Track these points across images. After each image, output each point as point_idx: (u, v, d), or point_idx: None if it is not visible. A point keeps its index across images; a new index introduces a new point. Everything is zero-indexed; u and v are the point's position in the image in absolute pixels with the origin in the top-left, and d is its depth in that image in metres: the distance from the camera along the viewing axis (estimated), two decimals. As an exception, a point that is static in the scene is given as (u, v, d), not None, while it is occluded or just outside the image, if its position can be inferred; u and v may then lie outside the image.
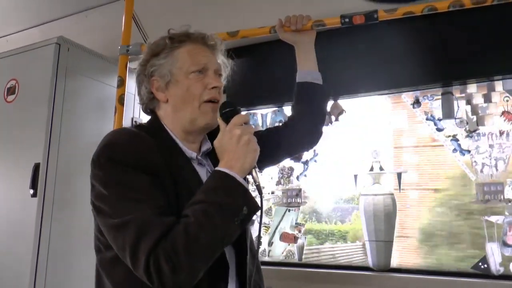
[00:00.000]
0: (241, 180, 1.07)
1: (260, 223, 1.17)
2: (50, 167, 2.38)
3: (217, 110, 1.23)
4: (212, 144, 1.28)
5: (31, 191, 2.35)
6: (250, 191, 1.10)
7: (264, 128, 2.88)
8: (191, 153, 1.26)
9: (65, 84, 2.51)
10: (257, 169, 1.15)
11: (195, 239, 0.98)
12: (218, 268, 1.07)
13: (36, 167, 2.35)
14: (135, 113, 3.01)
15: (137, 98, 3.10)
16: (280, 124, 2.73)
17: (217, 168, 1.10)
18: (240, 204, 1.04)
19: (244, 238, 1.22)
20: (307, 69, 1.63)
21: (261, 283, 1.32)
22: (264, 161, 1.31)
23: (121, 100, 2.14)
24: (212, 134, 1.29)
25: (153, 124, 1.28)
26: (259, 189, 1.14)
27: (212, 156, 1.29)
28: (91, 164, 1.15)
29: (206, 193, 1.06)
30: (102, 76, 2.75)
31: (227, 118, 1.16)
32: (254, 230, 1.77)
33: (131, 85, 2.98)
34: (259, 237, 1.20)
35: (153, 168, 1.09)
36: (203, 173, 1.26)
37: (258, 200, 1.10)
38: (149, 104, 1.31)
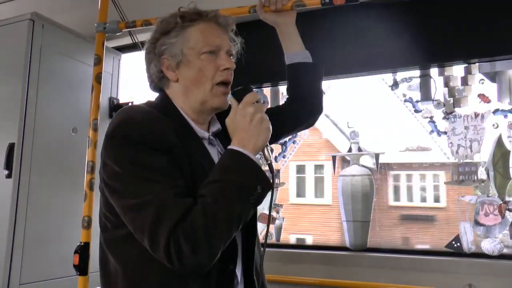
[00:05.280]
0: (254, 158, 1.08)
1: (271, 201, 1.17)
2: (25, 147, 2.33)
3: (229, 93, 1.23)
4: (221, 125, 1.28)
5: (6, 172, 2.29)
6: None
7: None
8: (203, 132, 1.25)
9: (39, 62, 2.44)
10: (269, 148, 1.15)
11: (213, 218, 0.99)
12: (227, 249, 1.07)
13: (11, 147, 2.30)
14: (113, 93, 2.96)
15: (114, 77, 3.09)
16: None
17: (230, 147, 1.10)
18: (254, 183, 1.05)
19: (252, 220, 1.22)
20: (294, 50, 1.62)
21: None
22: None
23: (98, 78, 2.11)
24: (220, 114, 1.29)
25: (164, 103, 1.25)
26: (271, 167, 1.15)
27: (221, 137, 1.29)
28: (105, 142, 1.11)
29: (221, 172, 1.06)
30: (79, 54, 2.69)
31: (238, 97, 1.15)
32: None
33: (108, 63, 2.95)
34: (269, 216, 1.21)
35: (170, 148, 1.08)
36: (214, 153, 1.25)
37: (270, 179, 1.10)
38: (158, 83, 1.28)
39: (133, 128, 1.08)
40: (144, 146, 1.05)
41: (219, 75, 1.23)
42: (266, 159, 1.15)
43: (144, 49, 1.30)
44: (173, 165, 1.07)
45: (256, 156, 1.11)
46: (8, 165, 2.29)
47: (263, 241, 1.24)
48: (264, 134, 1.11)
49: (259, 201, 1.07)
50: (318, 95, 1.63)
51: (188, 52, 1.22)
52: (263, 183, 1.06)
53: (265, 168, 1.14)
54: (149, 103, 1.26)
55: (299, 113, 1.60)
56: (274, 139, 1.59)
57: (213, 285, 1.11)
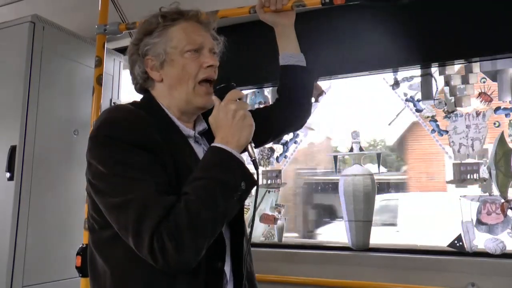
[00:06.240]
0: (237, 155, 1.08)
1: (256, 197, 1.18)
2: (27, 149, 2.33)
3: (212, 92, 1.23)
4: (207, 125, 1.28)
5: (8, 175, 2.30)
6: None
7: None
8: (188, 131, 1.25)
9: (40, 64, 2.44)
10: (252, 144, 1.15)
11: (197, 216, 0.99)
12: (215, 246, 1.08)
13: (12, 150, 2.30)
14: (114, 95, 2.96)
15: (115, 79, 3.09)
16: (262, 105, 2.75)
17: (213, 144, 1.10)
18: (238, 180, 1.05)
19: (239, 217, 1.23)
20: (289, 51, 1.61)
21: (252, 264, 1.33)
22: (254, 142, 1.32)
23: (99, 80, 2.11)
24: (207, 113, 1.28)
25: (149, 102, 1.26)
26: (255, 164, 1.15)
27: (208, 136, 1.29)
28: (89, 142, 1.11)
29: (204, 170, 1.07)
30: (80, 56, 2.69)
31: (221, 94, 1.16)
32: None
33: (109, 65, 2.95)
34: (254, 211, 1.21)
35: (153, 146, 1.08)
36: (200, 152, 1.25)
37: (254, 175, 1.10)
38: (143, 84, 1.29)
39: (115, 127, 1.08)
40: (127, 144, 1.05)
41: (203, 72, 1.23)
42: (250, 156, 1.15)
43: (127, 51, 1.31)
44: (156, 163, 1.07)
45: (242, 153, 1.11)
46: (10, 167, 2.30)
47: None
48: (247, 130, 1.12)
49: (244, 197, 1.08)
50: (307, 98, 1.63)
51: (171, 51, 1.23)
52: (247, 179, 1.07)
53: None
54: (134, 103, 1.26)
55: (287, 115, 1.59)
56: (263, 141, 1.60)
57: (201, 283, 1.10)
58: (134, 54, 1.28)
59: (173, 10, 1.28)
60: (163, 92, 1.26)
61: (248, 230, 1.25)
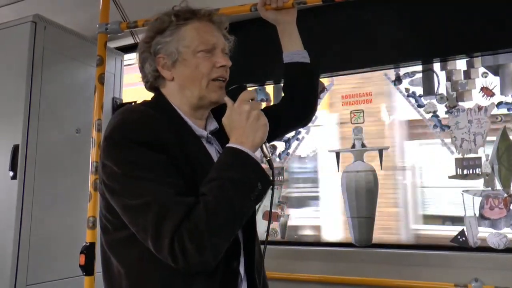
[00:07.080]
0: (253, 155, 1.09)
1: (272, 197, 1.18)
2: (29, 148, 2.34)
3: (224, 88, 1.24)
4: (218, 124, 1.29)
5: (11, 173, 2.31)
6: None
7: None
8: (201, 131, 1.26)
9: (42, 63, 2.45)
10: (267, 144, 1.16)
11: (216, 217, 0.99)
12: (231, 247, 1.08)
13: (15, 149, 2.31)
14: (116, 93, 2.97)
15: (117, 78, 3.09)
16: (264, 102, 2.75)
17: (228, 145, 1.10)
18: (254, 180, 1.06)
19: (251, 216, 1.23)
20: (293, 49, 1.62)
21: (263, 263, 1.34)
22: None
23: (101, 79, 2.12)
24: (218, 113, 1.29)
25: (160, 102, 1.26)
26: (270, 163, 1.16)
27: (219, 136, 1.30)
28: (103, 143, 1.12)
29: (221, 170, 1.07)
30: (81, 55, 2.69)
31: (233, 95, 1.17)
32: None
33: (111, 64, 2.96)
34: (270, 212, 1.21)
35: (168, 147, 1.08)
36: (213, 152, 1.26)
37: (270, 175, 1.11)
38: (154, 82, 1.29)
39: (130, 129, 1.09)
40: (142, 146, 1.06)
41: (215, 72, 1.24)
42: (265, 156, 1.16)
43: (138, 49, 1.31)
44: (171, 164, 1.07)
45: (255, 153, 1.12)
46: (13, 166, 2.30)
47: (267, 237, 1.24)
48: (262, 130, 1.12)
49: (260, 197, 1.08)
50: (313, 94, 1.64)
51: (184, 50, 1.23)
52: (263, 179, 1.07)
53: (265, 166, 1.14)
54: (145, 103, 1.27)
55: (293, 112, 1.60)
56: (269, 139, 1.61)
57: (217, 283, 1.11)
58: (145, 52, 1.28)
59: (186, 9, 1.29)
60: (174, 91, 1.26)
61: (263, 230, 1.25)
